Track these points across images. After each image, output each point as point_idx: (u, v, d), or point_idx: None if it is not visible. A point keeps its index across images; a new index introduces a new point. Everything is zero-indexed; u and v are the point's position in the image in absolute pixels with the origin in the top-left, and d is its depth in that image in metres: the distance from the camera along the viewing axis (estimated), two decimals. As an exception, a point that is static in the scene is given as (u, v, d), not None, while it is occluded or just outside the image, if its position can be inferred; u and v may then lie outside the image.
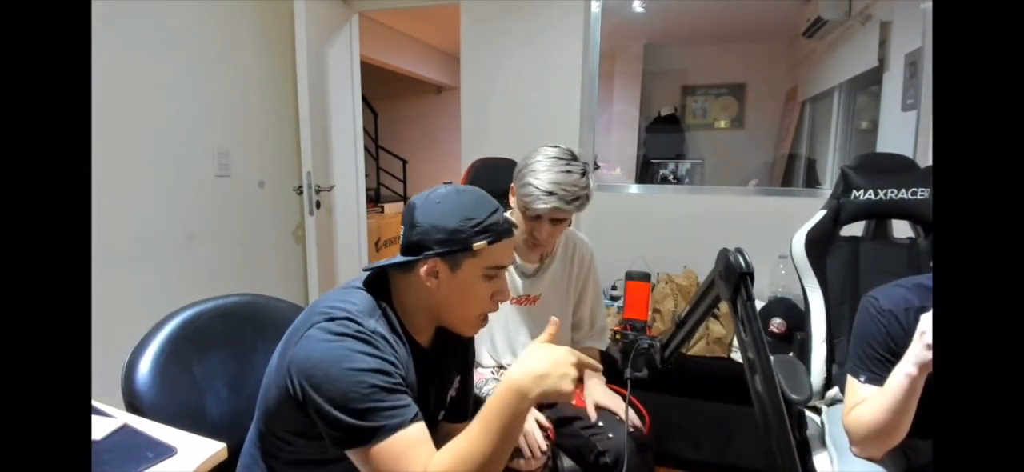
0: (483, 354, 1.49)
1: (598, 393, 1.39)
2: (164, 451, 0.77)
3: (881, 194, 1.48)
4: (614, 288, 2.55)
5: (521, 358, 0.84)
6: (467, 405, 1.12)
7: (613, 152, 3.74)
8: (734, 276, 0.92)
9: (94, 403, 0.83)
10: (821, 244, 1.49)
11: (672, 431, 2.10)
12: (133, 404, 0.94)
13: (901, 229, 1.56)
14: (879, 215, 1.52)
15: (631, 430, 1.32)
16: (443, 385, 1.03)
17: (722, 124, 3.95)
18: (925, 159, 2.11)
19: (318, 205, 2.81)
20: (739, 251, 0.93)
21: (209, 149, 2.48)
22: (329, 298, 0.89)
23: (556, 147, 1.33)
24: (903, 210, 1.49)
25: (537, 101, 2.80)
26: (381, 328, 0.86)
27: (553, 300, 1.49)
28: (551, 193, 1.25)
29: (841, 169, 1.52)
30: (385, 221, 5.14)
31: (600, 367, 0.96)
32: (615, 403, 1.36)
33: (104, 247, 1.98)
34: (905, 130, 2.39)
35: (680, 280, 2.32)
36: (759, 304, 2.33)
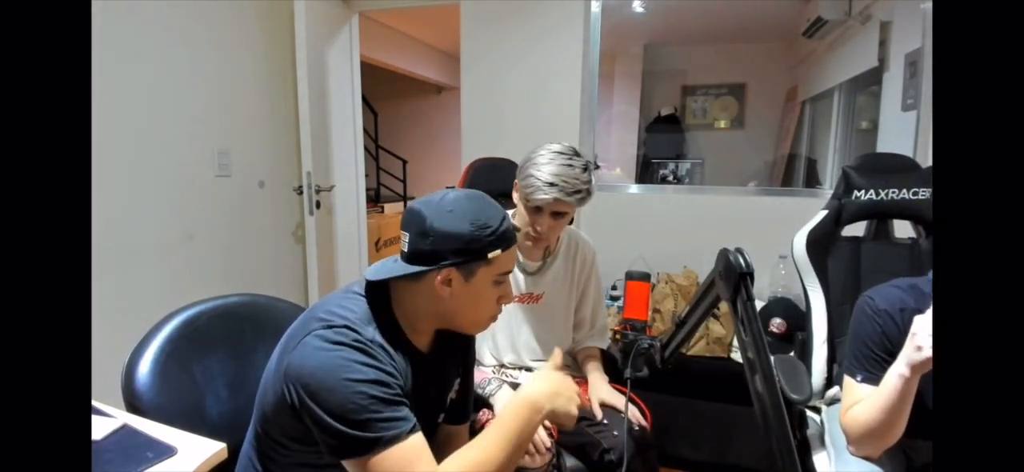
0: (485, 353, 1.49)
1: (602, 391, 1.40)
2: (164, 451, 0.77)
3: (882, 194, 1.48)
4: (614, 288, 2.55)
5: (534, 378, 0.91)
6: (467, 407, 1.12)
7: (613, 152, 3.74)
8: (734, 276, 0.93)
9: (94, 403, 0.83)
10: (822, 244, 1.49)
11: (672, 431, 2.10)
12: (133, 404, 0.94)
13: (903, 229, 1.56)
14: (880, 215, 1.52)
15: (635, 428, 1.32)
16: (443, 388, 1.03)
17: (722, 124, 3.95)
18: (925, 159, 2.11)
19: (318, 205, 2.81)
20: (739, 251, 0.93)
21: (209, 149, 2.48)
22: (328, 303, 0.89)
23: (559, 144, 1.34)
24: (905, 210, 1.49)
25: (537, 101, 2.80)
26: (379, 337, 0.86)
27: (555, 298, 1.50)
28: (552, 184, 1.26)
29: (842, 169, 1.52)
30: (385, 221, 5.14)
31: (597, 411, 1.01)
32: (619, 401, 1.36)
33: (104, 247, 1.98)
34: (905, 130, 2.39)
35: (680, 280, 2.32)
36: (759, 304, 2.33)
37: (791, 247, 1.51)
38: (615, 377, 1.45)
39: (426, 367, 0.95)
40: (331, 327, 0.83)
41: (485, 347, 1.49)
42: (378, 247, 4.66)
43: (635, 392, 1.20)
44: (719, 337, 2.10)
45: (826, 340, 1.45)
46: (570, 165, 1.28)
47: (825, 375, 1.44)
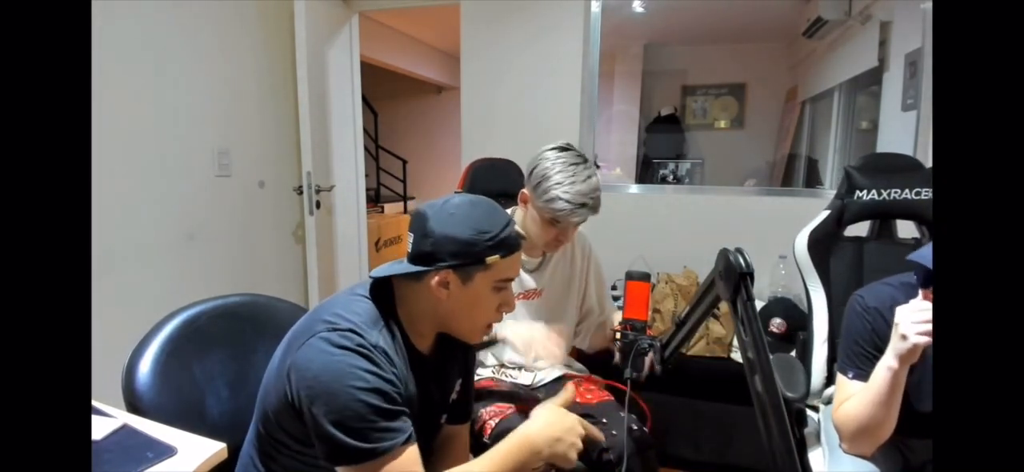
0: (487, 353, 1.49)
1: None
2: (164, 451, 0.77)
3: (884, 194, 1.47)
4: (614, 288, 2.55)
5: (540, 416, 0.91)
6: (469, 407, 1.13)
7: (613, 152, 3.73)
8: (734, 276, 0.92)
9: (94, 403, 0.83)
10: (824, 244, 1.49)
11: (672, 431, 2.10)
12: (133, 404, 0.94)
13: (906, 229, 1.56)
14: (883, 215, 1.52)
15: (633, 427, 1.32)
16: (445, 389, 1.03)
17: (722, 124, 3.95)
18: (925, 159, 2.11)
19: (318, 205, 2.81)
20: (739, 251, 0.93)
21: (209, 149, 2.48)
22: (333, 304, 0.89)
23: (564, 151, 1.33)
24: (907, 210, 1.48)
25: (537, 101, 2.80)
26: (383, 341, 0.86)
27: (557, 293, 1.51)
28: (583, 205, 1.28)
29: (845, 169, 1.52)
30: (385, 221, 5.14)
31: (602, 437, 1.01)
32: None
33: (104, 247, 1.98)
34: (905, 130, 2.39)
35: (680, 280, 2.32)
36: (759, 304, 2.33)
37: (792, 247, 1.51)
38: (615, 377, 1.45)
39: (428, 369, 0.95)
40: (337, 330, 0.83)
41: (502, 352, 1.49)
42: (378, 247, 4.66)
43: (635, 391, 1.20)
44: (719, 337, 2.10)
45: (827, 340, 1.45)
46: (588, 177, 1.29)
47: (825, 374, 1.44)
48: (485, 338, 1.00)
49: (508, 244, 0.89)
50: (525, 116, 2.82)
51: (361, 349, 0.82)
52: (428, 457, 0.87)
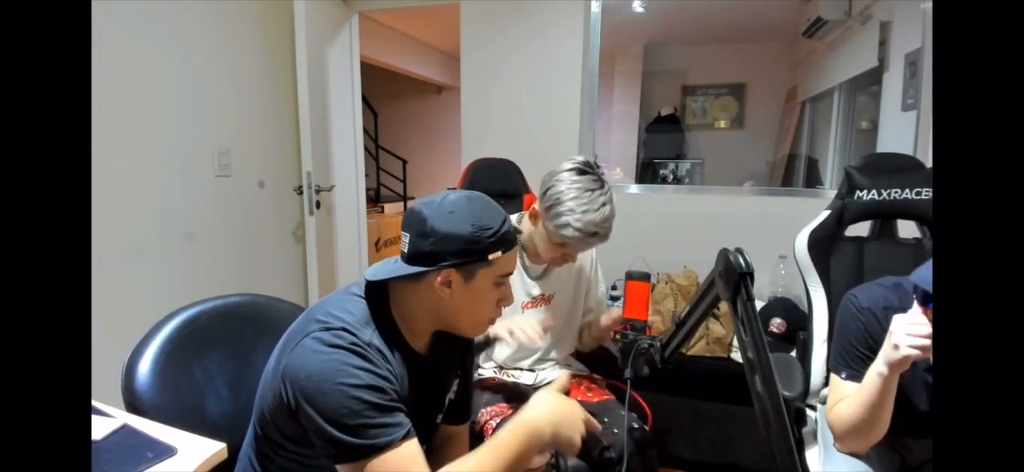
0: (484, 357, 1.50)
1: (614, 312, 1.40)
2: (164, 451, 0.77)
3: (885, 194, 1.47)
4: (614, 288, 2.55)
5: (539, 401, 0.89)
6: (467, 407, 1.13)
7: (613, 152, 3.74)
8: (734, 276, 0.92)
9: (94, 403, 0.83)
10: (825, 244, 1.49)
11: (672, 431, 2.10)
12: (133, 404, 0.94)
13: (907, 229, 1.56)
14: (883, 215, 1.52)
15: (634, 426, 1.32)
16: (441, 389, 1.03)
17: (722, 124, 3.95)
18: (925, 159, 2.10)
19: (318, 205, 2.81)
20: (739, 251, 0.93)
21: (209, 149, 2.48)
22: (327, 304, 0.89)
23: (582, 174, 1.29)
24: (908, 210, 1.48)
25: (537, 101, 2.80)
26: (377, 340, 0.85)
27: (566, 295, 1.51)
28: (594, 235, 1.27)
29: (845, 169, 1.52)
30: (385, 221, 5.14)
31: (598, 426, 0.99)
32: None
33: (104, 247, 1.98)
34: (905, 130, 2.39)
35: (680, 280, 2.32)
36: (759, 304, 2.33)
37: (793, 247, 1.51)
38: (615, 376, 1.45)
39: (424, 369, 0.95)
40: (329, 329, 0.83)
41: (498, 353, 1.49)
42: (378, 247, 4.66)
43: (636, 391, 1.20)
44: (719, 337, 2.10)
45: (827, 340, 1.45)
46: (604, 204, 1.27)
47: (825, 374, 1.44)
48: (479, 339, 0.99)
49: (508, 239, 0.89)
50: (525, 116, 2.82)
51: (354, 347, 0.81)
52: (426, 458, 0.87)
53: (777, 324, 2.18)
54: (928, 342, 0.92)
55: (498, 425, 1.28)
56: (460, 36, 2.88)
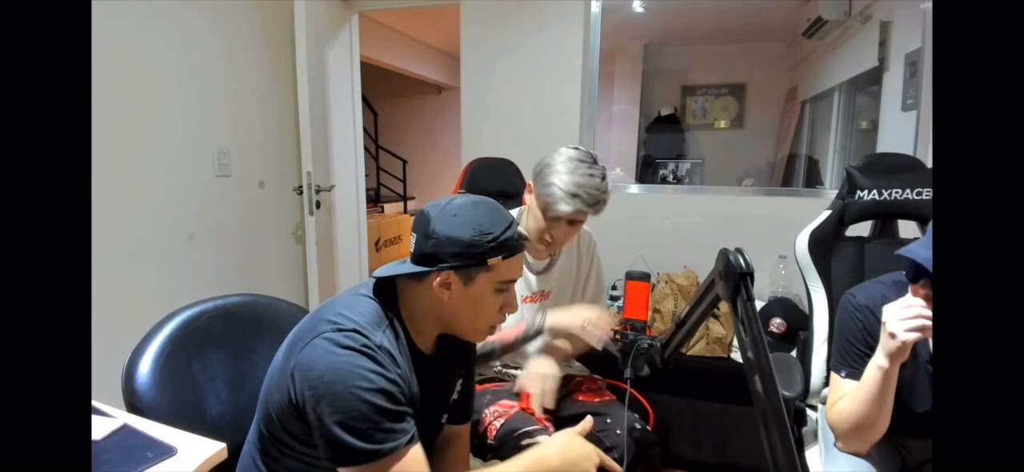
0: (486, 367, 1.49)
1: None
2: (164, 451, 0.77)
3: (886, 194, 1.47)
4: (614, 288, 2.55)
5: (557, 441, 0.92)
6: (469, 407, 1.13)
7: (613, 152, 3.74)
8: (734, 276, 0.92)
9: (94, 403, 0.83)
10: (825, 244, 1.49)
11: (672, 431, 2.10)
12: (133, 404, 0.94)
13: (908, 229, 1.56)
14: (884, 215, 1.52)
15: (636, 426, 1.32)
16: (445, 389, 1.03)
17: (722, 124, 3.95)
18: (926, 159, 2.10)
19: (318, 205, 2.81)
20: (739, 251, 0.93)
21: (209, 149, 2.48)
22: (337, 304, 0.89)
23: (576, 149, 1.32)
24: (908, 210, 1.48)
25: (537, 101, 2.80)
26: (387, 342, 0.86)
27: (563, 294, 1.51)
28: (574, 195, 1.25)
29: (846, 169, 1.52)
30: (385, 221, 5.14)
31: (619, 469, 1.00)
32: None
33: (104, 247, 1.98)
34: (905, 130, 2.38)
35: (680, 280, 2.32)
36: (759, 304, 2.33)
37: (793, 247, 1.51)
38: (615, 375, 1.45)
39: (429, 369, 0.95)
40: (341, 330, 0.83)
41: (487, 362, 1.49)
42: (378, 247, 4.66)
43: (637, 391, 1.20)
44: (719, 337, 2.10)
45: (827, 339, 1.45)
46: (591, 174, 1.27)
47: (825, 373, 1.44)
48: (486, 348, 0.99)
49: (510, 245, 0.88)
50: (525, 116, 2.82)
51: (365, 349, 0.82)
52: (429, 457, 0.87)
53: (777, 324, 2.18)
54: (923, 322, 0.92)
55: (502, 425, 1.28)
56: (460, 36, 2.88)
